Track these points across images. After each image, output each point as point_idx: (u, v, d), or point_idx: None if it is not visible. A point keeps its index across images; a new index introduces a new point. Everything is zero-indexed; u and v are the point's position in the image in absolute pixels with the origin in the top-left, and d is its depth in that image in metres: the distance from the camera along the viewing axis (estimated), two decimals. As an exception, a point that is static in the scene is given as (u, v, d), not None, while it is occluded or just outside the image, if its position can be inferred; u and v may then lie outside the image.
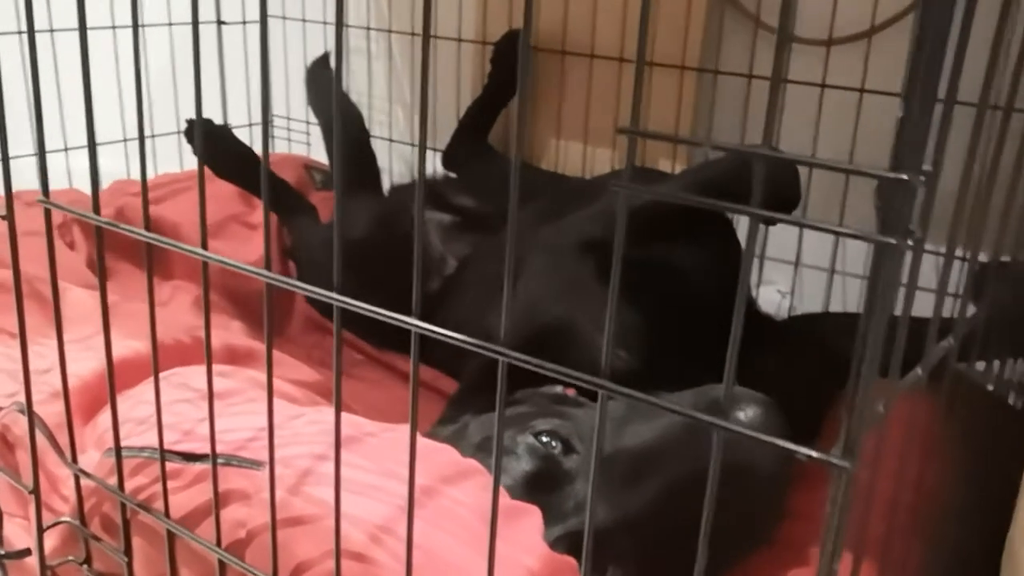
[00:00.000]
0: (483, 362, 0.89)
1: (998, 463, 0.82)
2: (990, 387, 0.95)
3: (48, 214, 0.61)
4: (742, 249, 0.98)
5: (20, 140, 0.68)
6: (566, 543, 0.62)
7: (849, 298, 1.16)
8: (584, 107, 1.34)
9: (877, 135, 1.06)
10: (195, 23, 0.48)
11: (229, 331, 1.11)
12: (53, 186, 0.62)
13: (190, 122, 1.31)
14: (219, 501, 0.56)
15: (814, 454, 0.35)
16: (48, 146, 0.60)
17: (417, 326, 0.43)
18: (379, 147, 1.55)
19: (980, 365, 0.95)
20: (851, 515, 0.66)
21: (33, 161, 0.61)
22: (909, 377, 0.41)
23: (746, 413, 0.62)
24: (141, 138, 0.53)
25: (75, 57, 0.54)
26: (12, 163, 0.62)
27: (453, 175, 1.42)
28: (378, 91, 1.62)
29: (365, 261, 1.21)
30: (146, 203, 0.57)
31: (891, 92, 1.07)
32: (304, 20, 1.59)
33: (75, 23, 0.53)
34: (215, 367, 0.81)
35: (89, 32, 0.53)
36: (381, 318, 0.45)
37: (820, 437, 0.86)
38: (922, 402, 0.80)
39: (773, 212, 0.97)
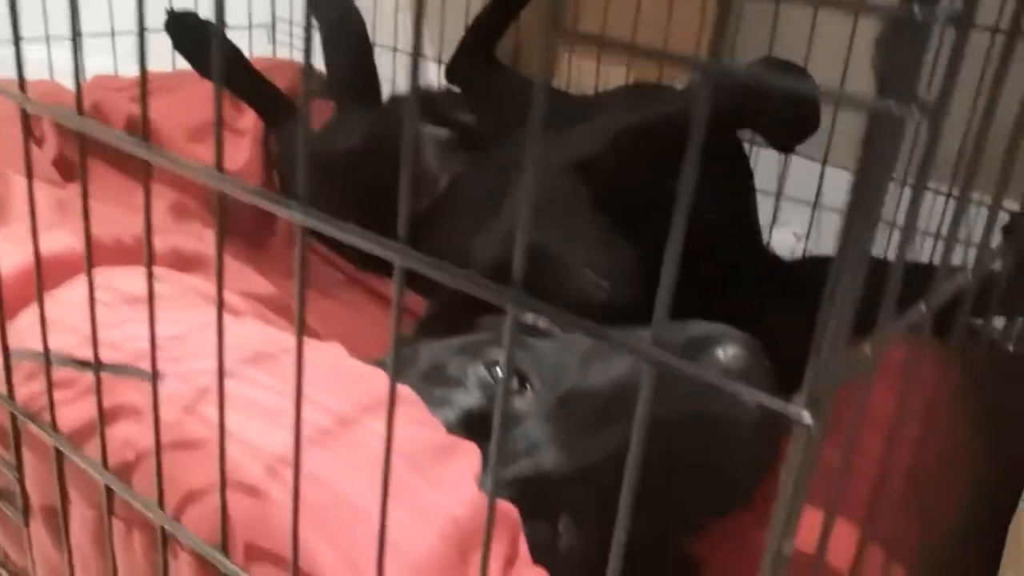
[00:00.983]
0: (451, 293, 0.81)
1: (1013, 427, 0.73)
2: (1010, 347, 0.87)
3: (26, 117, 0.52)
4: (752, 181, 0.89)
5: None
6: (511, 489, 0.54)
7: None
8: (600, 24, 1.24)
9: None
10: None
11: (201, 240, 1.04)
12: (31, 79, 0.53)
13: (171, 14, 1.22)
14: (106, 416, 0.48)
15: (766, 400, 0.27)
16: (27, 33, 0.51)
17: (405, 251, 0.34)
18: (383, 57, 1.46)
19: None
20: (826, 477, 0.58)
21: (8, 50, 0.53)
22: (905, 317, 0.33)
23: (725, 353, 0.54)
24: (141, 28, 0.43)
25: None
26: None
27: (456, 89, 1.32)
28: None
29: (353, 175, 1.13)
30: (145, 112, 0.48)
31: None
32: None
33: None
34: (156, 271, 0.74)
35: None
36: (352, 242, 0.35)
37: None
38: (928, 357, 0.71)
39: (789, 140, 0.87)
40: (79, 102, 0.44)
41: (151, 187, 0.81)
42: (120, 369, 0.50)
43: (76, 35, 0.44)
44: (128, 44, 1.39)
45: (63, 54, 1.38)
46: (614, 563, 0.33)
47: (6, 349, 0.53)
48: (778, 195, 1.06)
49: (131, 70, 1.38)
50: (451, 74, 1.33)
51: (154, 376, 0.43)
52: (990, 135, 0.37)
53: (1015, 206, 0.70)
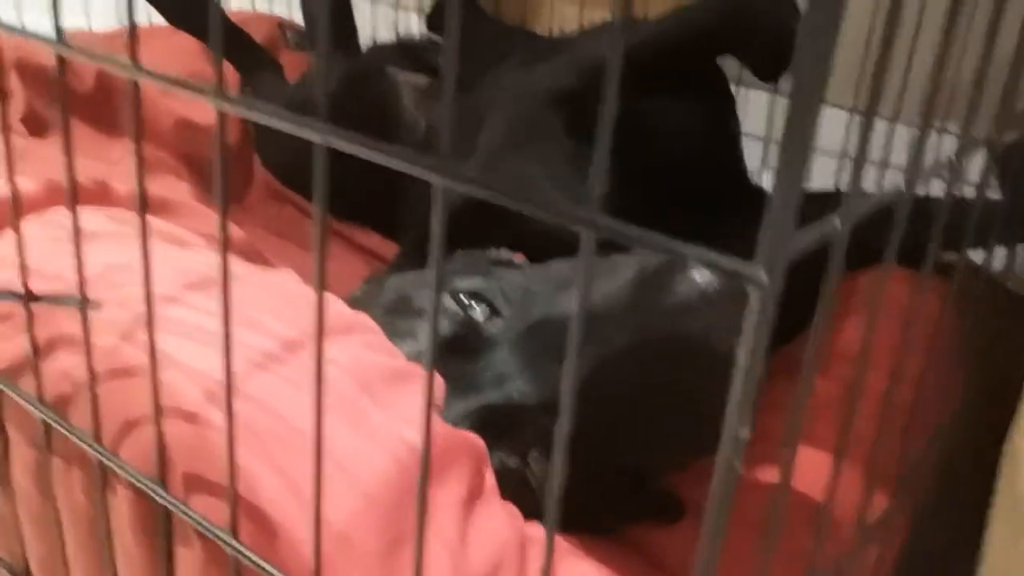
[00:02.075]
0: (423, 225, 0.78)
1: (1009, 362, 0.71)
2: (1009, 285, 0.84)
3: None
4: (735, 112, 0.86)
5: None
6: (475, 418, 0.51)
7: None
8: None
9: None
10: None
11: (172, 190, 1.01)
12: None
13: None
14: (43, 348, 0.45)
15: (725, 263, 0.24)
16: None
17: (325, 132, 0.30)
18: (362, 6, 1.42)
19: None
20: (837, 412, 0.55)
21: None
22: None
23: (701, 273, 0.51)
24: None
25: None
26: None
27: (437, 38, 1.29)
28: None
29: (331, 119, 1.10)
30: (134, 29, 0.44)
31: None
32: None
33: None
34: (111, 210, 0.71)
35: None
36: (276, 125, 0.32)
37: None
38: (926, 293, 0.68)
39: (771, 65, 0.83)
40: (58, 30, 0.41)
41: (123, 140, 0.78)
42: (56, 299, 0.47)
43: None
44: (100, 2, 1.35)
45: (35, 17, 1.35)
46: (554, 491, 0.30)
47: (-60, 283, 0.50)
48: (767, 137, 1.02)
49: (105, 27, 1.35)
50: (432, 22, 1.29)
51: (83, 302, 0.41)
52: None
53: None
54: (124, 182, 0.83)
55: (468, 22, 1.31)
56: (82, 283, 0.41)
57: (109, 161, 1.07)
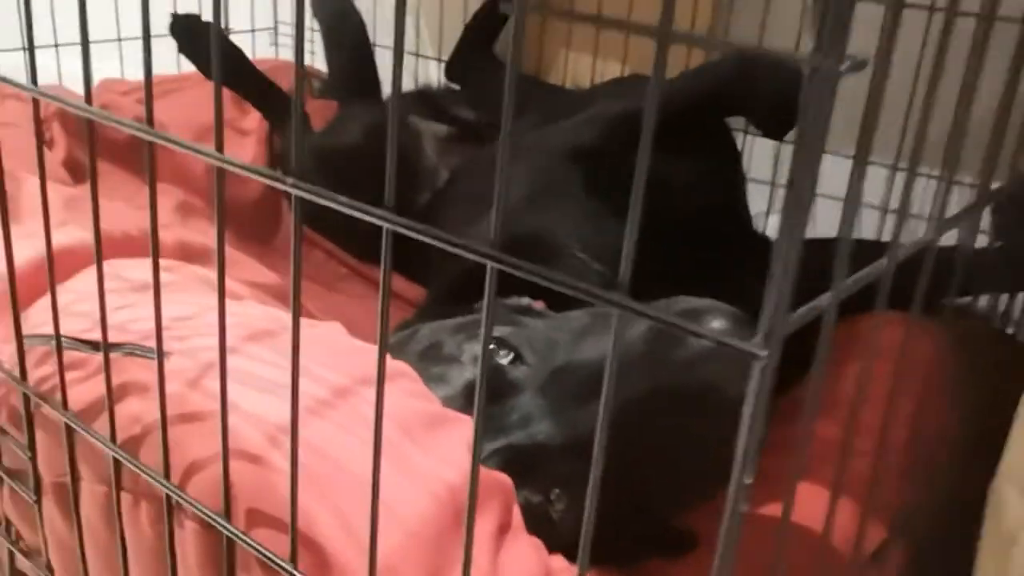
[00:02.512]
0: (452, 273, 0.83)
1: (1002, 404, 0.75)
2: (1010, 330, 0.88)
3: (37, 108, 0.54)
4: (740, 166, 0.91)
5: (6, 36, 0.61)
6: (501, 457, 0.56)
7: (866, 230, 1.08)
8: (596, 7, 1.26)
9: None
10: None
11: (206, 235, 1.06)
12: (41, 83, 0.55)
13: (175, 17, 1.25)
14: (114, 393, 0.50)
15: (723, 338, 0.29)
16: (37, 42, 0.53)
17: (389, 220, 0.35)
18: (385, 56, 1.48)
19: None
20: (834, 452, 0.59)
21: (19, 57, 0.55)
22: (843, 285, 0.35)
23: (712, 325, 0.55)
24: (146, 32, 0.44)
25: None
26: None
27: (455, 86, 1.35)
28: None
29: (355, 168, 1.15)
30: (149, 98, 0.50)
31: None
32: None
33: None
34: (163, 262, 0.76)
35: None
36: (345, 210, 0.37)
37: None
38: (922, 336, 0.73)
39: (776, 125, 0.88)
40: (87, 92, 0.46)
41: (158, 185, 0.83)
42: (127, 348, 0.53)
43: (85, 40, 0.46)
44: (134, 49, 1.41)
45: (71, 60, 1.41)
46: (587, 526, 0.34)
47: (19, 335, 0.55)
48: (772, 183, 1.07)
49: (137, 74, 1.41)
50: (451, 71, 1.35)
51: (159, 353, 0.46)
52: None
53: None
54: (167, 230, 0.88)
55: (487, 73, 1.37)
56: (159, 336, 0.45)
57: (143, 205, 1.13)
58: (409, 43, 1.52)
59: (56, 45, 1.33)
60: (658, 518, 0.64)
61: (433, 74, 1.43)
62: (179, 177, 1.21)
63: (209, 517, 0.46)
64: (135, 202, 1.09)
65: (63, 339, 0.53)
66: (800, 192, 0.27)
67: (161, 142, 0.43)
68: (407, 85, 1.48)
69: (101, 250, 0.50)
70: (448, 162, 1.17)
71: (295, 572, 0.43)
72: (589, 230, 0.79)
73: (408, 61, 1.51)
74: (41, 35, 0.55)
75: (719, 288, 0.74)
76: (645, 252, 0.85)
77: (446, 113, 1.24)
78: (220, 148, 0.41)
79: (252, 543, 0.44)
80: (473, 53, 1.33)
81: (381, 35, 1.52)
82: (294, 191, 0.37)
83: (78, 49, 0.46)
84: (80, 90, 0.47)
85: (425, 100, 1.29)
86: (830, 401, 0.77)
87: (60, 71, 1.39)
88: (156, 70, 0.43)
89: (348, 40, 1.40)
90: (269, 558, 0.43)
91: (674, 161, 0.85)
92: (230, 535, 0.45)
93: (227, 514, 0.45)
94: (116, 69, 1.40)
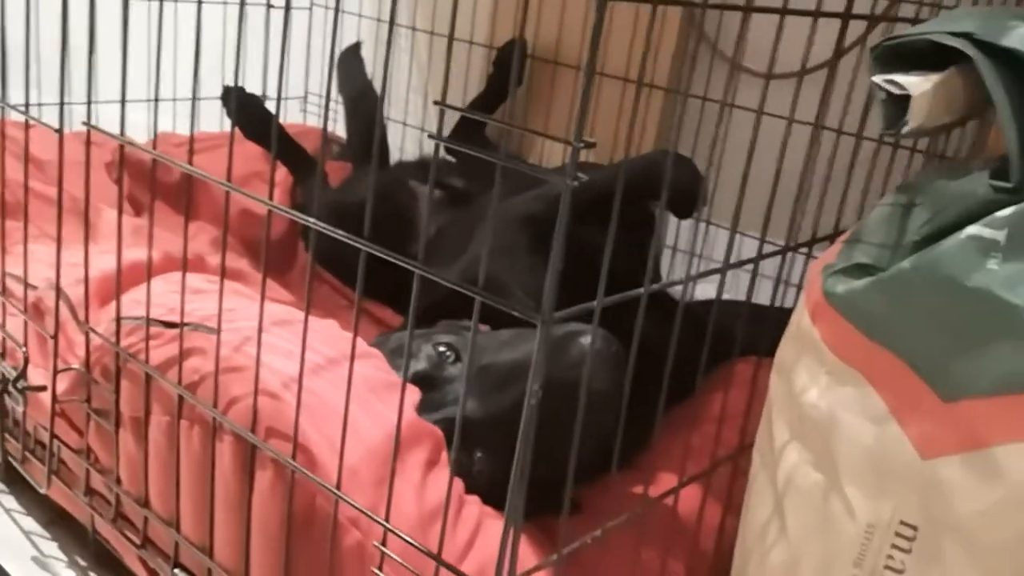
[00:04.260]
0: (425, 305, 1.09)
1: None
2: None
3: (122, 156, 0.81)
4: (654, 238, 1.17)
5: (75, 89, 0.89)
6: (441, 426, 0.81)
7: (762, 295, 1.34)
8: (568, 112, 1.54)
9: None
10: (242, 3, 0.68)
11: (238, 262, 1.33)
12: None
13: (227, 89, 1.53)
14: (183, 353, 0.76)
15: (515, 310, 0.54)
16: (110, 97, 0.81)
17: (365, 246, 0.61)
18: (394, 129, 1.76)
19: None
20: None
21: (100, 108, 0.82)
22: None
23: (586, 339, 0.81)
24: (194, 98, 0.72)
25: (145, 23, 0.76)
26: (76, 109, 0.83)
27: (451, 158, 1.62)
28: (399, 79, 1.83)
29: (361, 221, 1.42)
30: (191, 150, 0.77)
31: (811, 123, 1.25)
32: (341, 11, 1.81)
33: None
34: (205, 276, 1.03)
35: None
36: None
37: (692, 393, 1.05)
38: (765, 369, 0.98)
39: (682, 208, 1.16)
40: (154, 141, 0.73)
41: (199, 222, 1.10)
42: (192, 326, 0.79)
43: (156, 99, 0.73)
44: (184, 107, 1.69)
45: (135, 116, 1.69)
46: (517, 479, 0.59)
47: (119, 315, 0.81)
48: (692, 253, 1.34)
49: (186, 128, 1.69)
50: (448, 150, 1.63)
51: (219, 329, 0.72)
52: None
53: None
54: (210, 255, 1.15)
55: (480, 149, 1.66)
56: (220, 318, 0.71)
57: (189, 237, 1.39)
58: (417, 119, 1.80)
59: (123, 101, 1.61)
60: (550, 483, 0.88)
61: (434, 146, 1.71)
62: (215, 217, 1.48)
63: (241, 432, 0.71)
64: (182, 232, 1.36)
65: (150, 320, 0.79)
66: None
67: (230, 187, 0.69)
68: (412, 154, 1.77)
69: (186, 263, 0.76)
70: (437, 220, 1.44)
71: (294, 464, 0.68)
72: (529, 278, 1.05)
73: (414, 134, 1.79)
74: (105, 91, 0.83)
75: (622, 327, 0.99)
76: (577, 298, 1.13)
77: (440, 180, 1.51)
78: (271, 196, 0.67)
79: (269, 448, 0.70)
80: (468, 133, 1.61)
81: (395, 111, 1.80)
82: (313, 226, 0.63)
83: (139, 104, 0.73)
84: (139, 139, 0.74)
85: (425, 168, 1.56)
86: (704, 417, 1.03)
87: (123, 123, 1.67)
88: (203, 126, 0.70)
89: (365, 113, 1.68)
90: (277, 454, 0.69)
91: (600, 232, 1.12)
92: (254, 443, 0.71)
93: (253, 430, 0.71)
94: (169, 123, 1.68)
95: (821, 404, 0.64)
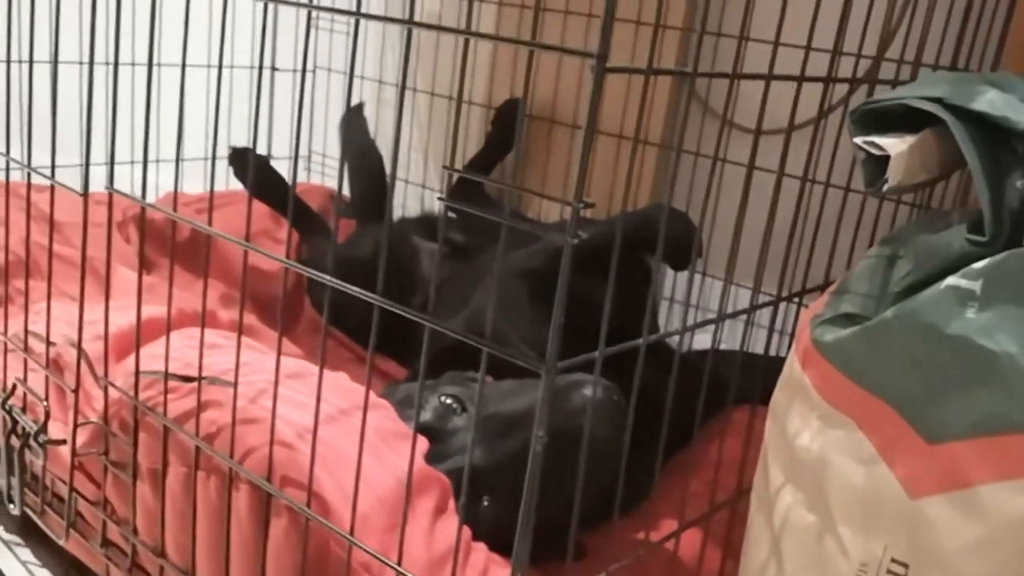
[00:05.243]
0: (430, 355, 1.13)
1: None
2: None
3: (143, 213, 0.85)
4: (651, 289, 1.21)
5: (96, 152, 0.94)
6: (449, 476, 0.84)
7: (758, 344, 1.37)
8: (564, 167, 1.59)
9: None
10: (260, 69, 0.72)
11: (246, 318, 1.37)
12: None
13: (234, 149, 1.58)
14: (201, 405, 0.79)
15: (521, 361, 0.58)
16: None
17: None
18: (396, 186, 1.81)
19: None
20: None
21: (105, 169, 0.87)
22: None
23: (588, 389, 0.84)
24: (213, 157, 0.76)
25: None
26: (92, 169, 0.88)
27: (452, 215, 1.67)
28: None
29: (366, 277, 1.46)
30: (211, 209, 0.80)
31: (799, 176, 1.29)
32: (346, 73, 1.86)
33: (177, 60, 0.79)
34: (218, 331, 1.06)
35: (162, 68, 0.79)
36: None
37: (691, 441, 1.07)
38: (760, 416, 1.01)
39: (676, 261, 1.20)
40: (176, 201, 0.77)
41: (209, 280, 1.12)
42: (209, 379, 0.82)
43: (178, 159, 0.77)
44: (194, 167, 1.74)
45: (136, 175, 1.74)
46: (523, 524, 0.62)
47: (137, 370, 0.85)
48: (687, 304, 1.37)
49: (193, 188, 1.73)
50: (449, 206, 1.67)
51: (236, 382, 0.75)
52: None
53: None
54: (220, 310, 1.19)
55: (480, 205, 1.71)
56: (237, 371, 0.75)
57: (195, 293, 1.43)
58: (417, 176, 1.85)
59: (144, 162, 1.66)
60: (555, 529, 0.91)
61: (436, 204, 1.76)
62: (222, 274, 1.52)
63: (257, 481, 0.74)
64: (191, 289, 1.40)
65: (167, 374, 0.82)
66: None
67: (247, 246, 0.73)
68: (414, 211, 1.81)
69: (204, 319, 0.80)
70: (440, 273, 1.47)
71: (308, 511, 0.71)
72: (530, 329, 1.08)
73: (416, 191, 1.84)
74: (101, 152, 0.87)
75: (621, 375, 1.03)
76: (576, 347, 1.17)
77: (444, 235, 1.55)
78: (288, 256, 0.71)
79: (284, 497, 0.73)
80: (468, 190, 1.65)
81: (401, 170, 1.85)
82: (328, 282, 0.67)
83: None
84: (147, 198, 0.78)
85: (427, 224, 1.61)
86: (702, 463, 1.05)
87: (132, 182, 1.72)
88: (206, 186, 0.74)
89: (369, 171, 1.73)
90: (291, 502, 0.72)
91: (597, 283, 1.15)
92: (270, 492, 0.73)
93: (268, 479, 0.74)
94: (167, 181, 1.72)
95: (813, 447, 0.67)
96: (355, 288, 0.67)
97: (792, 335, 0.87)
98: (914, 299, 0.61)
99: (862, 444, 0.63)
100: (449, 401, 0.91)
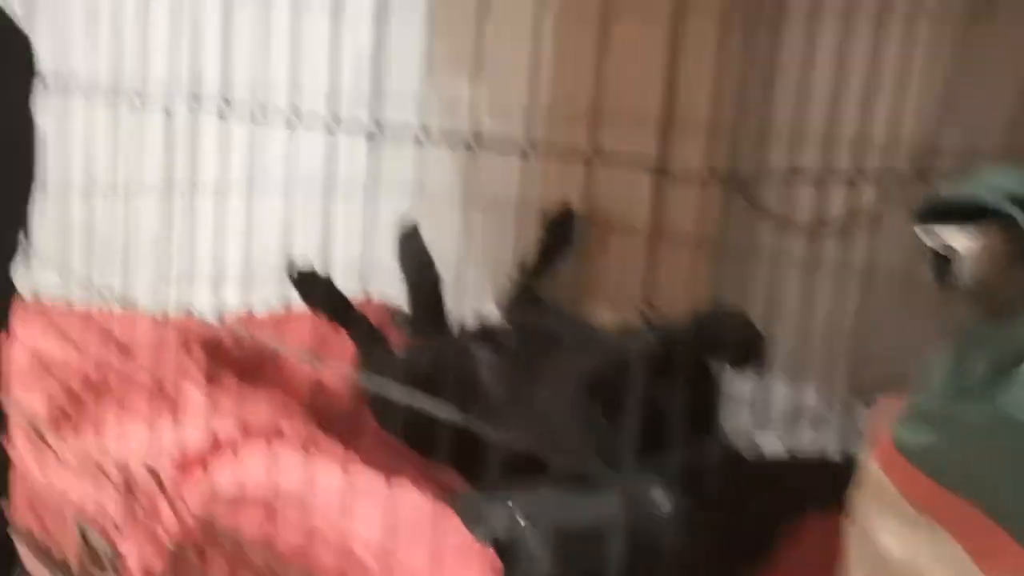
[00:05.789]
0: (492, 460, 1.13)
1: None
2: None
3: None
4: (715, 390, 1.20)
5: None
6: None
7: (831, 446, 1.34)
8: (618, 269, 1.60)
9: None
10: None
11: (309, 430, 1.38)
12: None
13: (299, 272, 1.61)
14: (274, 527, 0.80)
15: (594, 473, 0.57)
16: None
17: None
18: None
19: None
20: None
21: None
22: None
23: (656, 491, 0.84)
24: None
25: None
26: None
27: (509, 325, 1.69)
28: (450, 247, 1.91)
29: (428, 388, 1.47)
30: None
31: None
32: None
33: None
34: (286, 446, 1.07)
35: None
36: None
37: (766, 558, 1.04)
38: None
39: (741, 363, 1.19)
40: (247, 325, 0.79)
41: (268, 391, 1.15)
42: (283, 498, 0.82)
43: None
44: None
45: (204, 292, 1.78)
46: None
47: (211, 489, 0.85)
48: (752, 405, 1.35)
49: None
50: (504, 312, 1.70)
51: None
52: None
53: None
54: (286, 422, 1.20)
55: (537, 311, 1.74)
56: (310, 490, 0.75)
57: (260, 404, 1.45)
58: (475, 287, 1.87)
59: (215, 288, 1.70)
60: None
61: (493, 313, 1.78)
62: (287, 386, 1.54)
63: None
64: (255, 401, 1.41)
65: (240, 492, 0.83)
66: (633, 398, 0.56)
67: (315, 362, 0.74)
68: (471, 323, 1.83)
69: (271, 437, 0.80)
70: (499, 384, 1.48)
71: (383, 633, 0.70)
72: (591, 434, 1.08)
73: (472, 302, 1.86)
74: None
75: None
76: (642, 452, 1.15)
77: (501, 345, 1.56)
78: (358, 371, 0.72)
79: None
80: (523, 299, 1.68)
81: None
82: (402, 401, 0.68)
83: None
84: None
85: (485, 334, 1.62)
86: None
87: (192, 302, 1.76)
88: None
89: (426, 287, 1.76)
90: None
91: (666, 386, 1.15)
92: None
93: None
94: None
95: (901, 554, 0.65)
96: (426, 402, 0.67)
97: (862, 434, 0.85)
98: (998, 397, 0.60)
99: (952, 549, 0.61)
100: (518, 517, 0.90)
